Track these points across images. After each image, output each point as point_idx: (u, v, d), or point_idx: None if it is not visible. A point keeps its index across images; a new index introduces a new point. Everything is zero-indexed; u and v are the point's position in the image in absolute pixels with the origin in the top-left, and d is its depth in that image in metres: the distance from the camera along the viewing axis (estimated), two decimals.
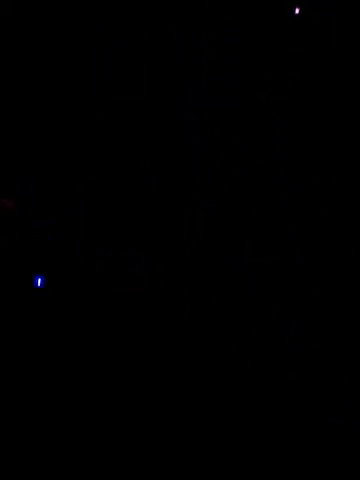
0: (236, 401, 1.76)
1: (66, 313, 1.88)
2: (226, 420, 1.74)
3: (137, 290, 1.90)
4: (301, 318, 1.84)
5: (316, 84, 1.97)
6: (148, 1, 2.03)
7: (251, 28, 1.99)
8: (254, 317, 1.87)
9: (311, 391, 1.75)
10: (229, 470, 1.68)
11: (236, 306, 1.88)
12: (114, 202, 1.98)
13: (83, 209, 1.96)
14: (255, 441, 1.71)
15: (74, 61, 2.05)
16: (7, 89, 2.03)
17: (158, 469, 1.69)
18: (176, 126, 2.03)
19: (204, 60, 2.02)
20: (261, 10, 1.98)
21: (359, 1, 1.88)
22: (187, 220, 1.97)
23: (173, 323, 1.88)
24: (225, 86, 2.01)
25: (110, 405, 1.79)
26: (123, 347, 1.86)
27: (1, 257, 1.85)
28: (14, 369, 1.80)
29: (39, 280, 1.87)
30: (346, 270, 1.86)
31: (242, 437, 1.71)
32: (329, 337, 1.80)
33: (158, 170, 2.01)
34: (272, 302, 1.88)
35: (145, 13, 2.03)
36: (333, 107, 1.96)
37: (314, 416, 1.71)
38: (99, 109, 2.05)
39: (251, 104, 2.00)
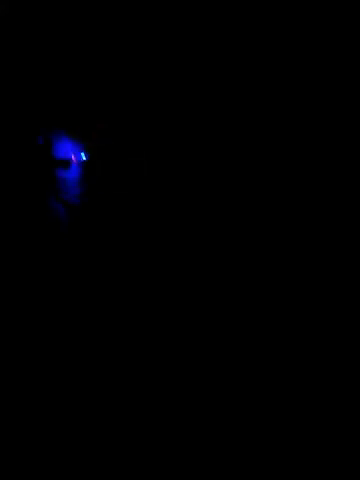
0: (235, 400, 1.77)
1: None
2: (226, 420, 1.74)
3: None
4: (301, 318, 1.85)
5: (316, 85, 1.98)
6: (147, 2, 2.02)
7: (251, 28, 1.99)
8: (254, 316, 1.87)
9: (311, 391, 1.75)
10: (229, 470, 1.68)
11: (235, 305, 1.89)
12: None
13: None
14: (255, 441, 1.71)
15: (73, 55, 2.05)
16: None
17: (158, 469, 1.69)
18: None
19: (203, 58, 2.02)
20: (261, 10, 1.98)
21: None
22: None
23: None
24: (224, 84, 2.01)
25: (109, 403, 1.79)
26: (121, 345, 1.87)
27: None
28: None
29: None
30: (346, 270, 1.86)
31: (241, 437, 1.72)
32: (329, 337, 1.81)
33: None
34: (271, 301, 1.88)
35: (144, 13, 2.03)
36: (333, 107, 1.96)
37: (314, 416, 1.72)
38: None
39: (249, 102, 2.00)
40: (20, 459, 1.69)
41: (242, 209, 1.98)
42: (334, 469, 1.63)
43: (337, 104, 1.96)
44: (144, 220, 2.00)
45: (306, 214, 1.94)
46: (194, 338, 1.86)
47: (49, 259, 1.95)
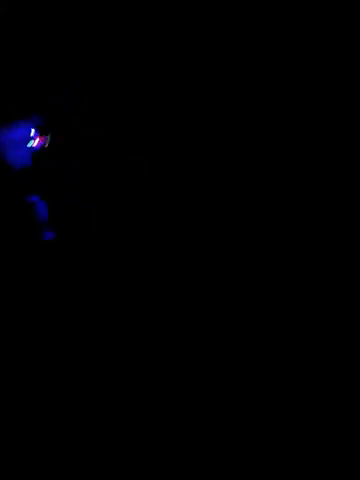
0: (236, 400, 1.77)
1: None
2: (226, 420, 1.75)
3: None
4: (301, 317, 1.85)
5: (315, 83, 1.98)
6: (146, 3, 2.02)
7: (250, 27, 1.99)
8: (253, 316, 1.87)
9: (311, 391, 1.75)
10: (229, 470, 1.68)
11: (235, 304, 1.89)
12: None
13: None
14: (255, 441, 1.71)
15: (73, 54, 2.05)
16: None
17: (158, 469, 1.70)
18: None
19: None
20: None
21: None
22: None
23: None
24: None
25: (109, 403, 1.79)
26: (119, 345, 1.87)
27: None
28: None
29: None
30: (346, 270, 1.86)
31: (241, 437, 1.72)
32: (329, 337, 1.81)
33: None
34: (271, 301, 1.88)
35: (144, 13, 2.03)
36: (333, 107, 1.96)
37: (314, 416, 1.72)
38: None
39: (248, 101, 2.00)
40: (20, 459, 1.69)
41: (243, 209, 1.98)
42: (334, 469, 1.63)
43: (337, 104, 1.96)
44: (144, 220, 2.00)
45: (307, 215, 1.94)
46: (194, 338, 1.86)
47: (47, 261, 1.95)
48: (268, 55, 1.99)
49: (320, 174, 1.95)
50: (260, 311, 1.87)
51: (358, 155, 1.92)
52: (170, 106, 2.03)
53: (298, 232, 1.93)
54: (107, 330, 1.89)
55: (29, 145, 1.83)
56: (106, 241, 1.98)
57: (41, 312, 1.90)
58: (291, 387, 1.77)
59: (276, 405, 1.75)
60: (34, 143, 1.84)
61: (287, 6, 1.96)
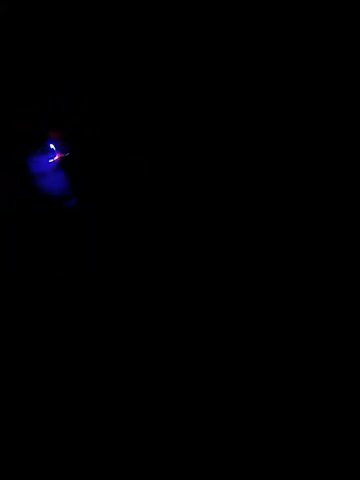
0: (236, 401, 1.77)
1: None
2: (226, 420, 1.74)
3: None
4: (301, 317, 1.85)
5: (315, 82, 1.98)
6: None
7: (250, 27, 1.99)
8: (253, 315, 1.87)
9: (311, 391, 1.75)
10: (229, 470, 1.68)
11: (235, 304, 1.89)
12: None
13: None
14: (255, 441, 1.71)
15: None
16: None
17: (158, 469, 1.69)
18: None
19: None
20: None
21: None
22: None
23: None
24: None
25: (109, 404, 1.79)
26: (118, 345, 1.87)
27: None
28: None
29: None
30: (346, 270, 1.86)
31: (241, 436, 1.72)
32: (329, 337, 1.81)
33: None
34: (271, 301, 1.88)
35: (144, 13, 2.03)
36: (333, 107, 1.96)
37: (314, 416, 1.72)
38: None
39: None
40: (20, 459, 1.69)
41: (244, 210, 1.98)
42: (334, 469, 1.63)
43: (337, 105, 1.96)
44: (144, 221, 2.00)
45: (307, 217, 1.94)
46: (194, 339, 1.86)
47: (45, 264, 1.95)
48: (268, 55, 1.99)
49: (320, 174, 1.95)
50: (260, 311, 1.87)
51: (358, 155, 1.92)
52: (170, 106, 2.03)
53: (298, 232, 1.93)
54: (106, 329, 1.89)
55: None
56: (106, 241, 1.98)
57: (42, 311, 1.90)
58: (291, 387, 1.77)
59: (276, 405, 1.75)
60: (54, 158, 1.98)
61: (287, 6, 1.96)
